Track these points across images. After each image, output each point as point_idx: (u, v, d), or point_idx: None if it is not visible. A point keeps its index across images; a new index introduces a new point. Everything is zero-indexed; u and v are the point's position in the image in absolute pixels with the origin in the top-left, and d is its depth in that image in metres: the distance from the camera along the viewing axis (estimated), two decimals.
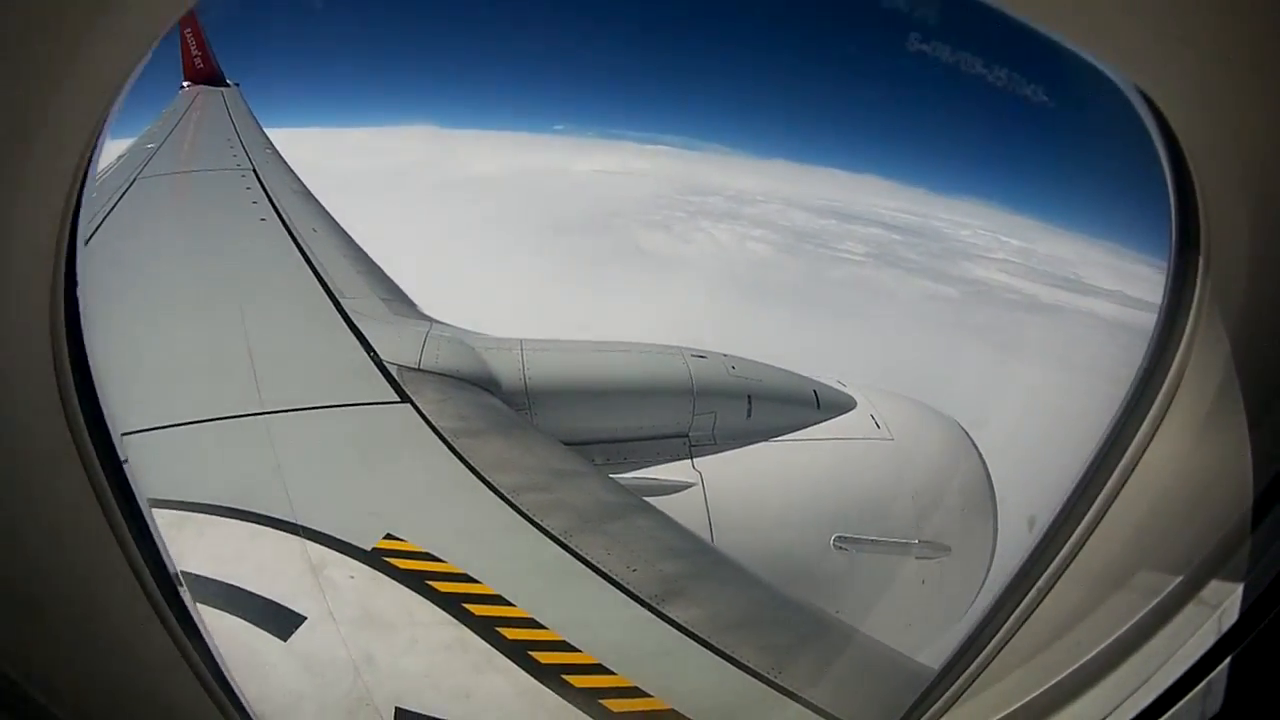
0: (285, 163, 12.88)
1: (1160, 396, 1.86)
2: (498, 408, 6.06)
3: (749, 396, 6.97)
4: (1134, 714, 1.80)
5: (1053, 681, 2.02)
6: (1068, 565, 2.04)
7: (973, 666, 2.23)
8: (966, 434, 7.54)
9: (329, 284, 7.59)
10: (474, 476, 4.84)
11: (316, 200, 11.38)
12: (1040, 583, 2.08)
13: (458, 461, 4.99)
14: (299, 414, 5.27)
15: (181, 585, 1.79)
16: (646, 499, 5.48)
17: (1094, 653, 1.97)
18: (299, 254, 8.37)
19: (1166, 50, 1.35)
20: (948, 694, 2.29)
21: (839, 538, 6.43)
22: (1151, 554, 1.95)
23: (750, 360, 7.35)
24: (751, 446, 6.87)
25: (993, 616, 2.22)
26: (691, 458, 6.67)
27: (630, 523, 4.76)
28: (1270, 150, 1.44)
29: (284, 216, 9.62)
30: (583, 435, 6.45)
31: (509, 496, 4.65)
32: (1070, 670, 2.00)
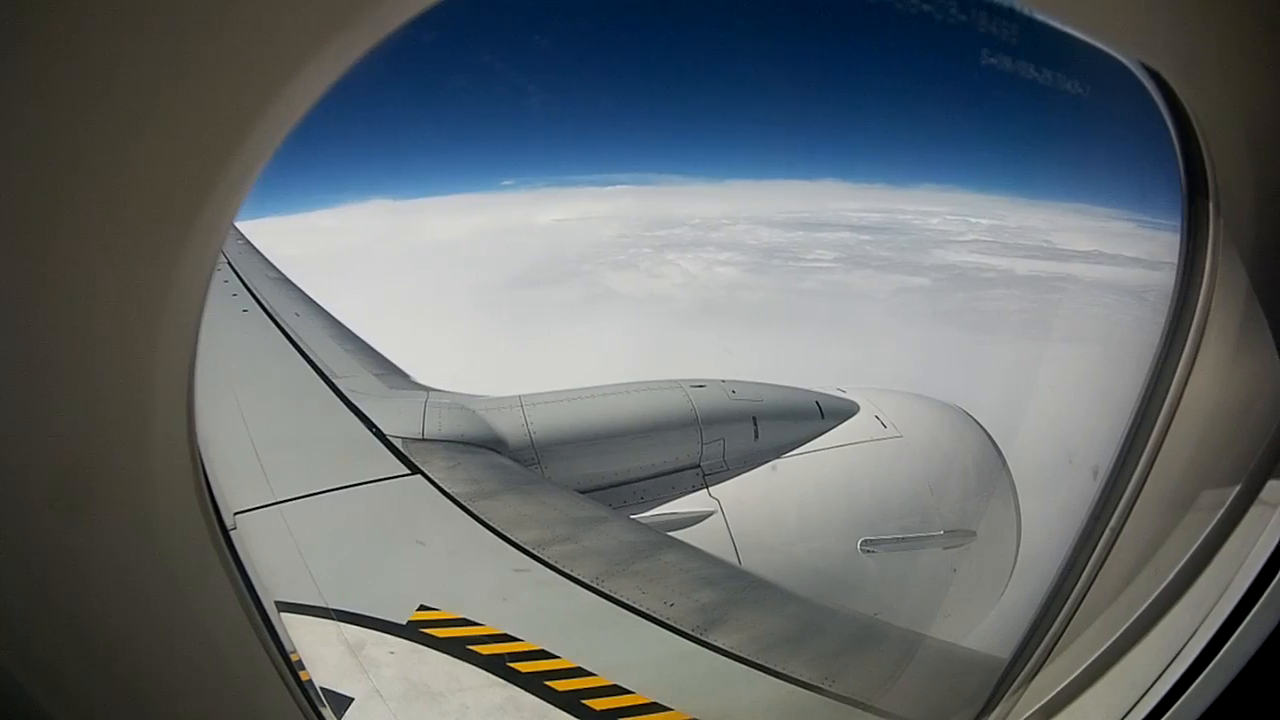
0: (258, 251, 12.79)
1: (1194, 329, 2.01)
2: (508, 466, 6.05)
3: (754, 418, 7.00)
4: (1220, 621, 1.89)
5: (1140, 610, 2.11)
6: (1136, 499, 2.16)
7: (1061, 616, 2.32)
8: (971, 418, 7.59)
9: (320, 367, 7.58)
10: (496, 537, 4.83)
11: (294, 284, 11.31)
12: (1113, 522, 2.20)
13: (477, 524, 4.98)
14: (312, 499, 5.24)
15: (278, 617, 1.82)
16: (669, 534, 5.48)
17: (1174, 573, 2.06)
18: (286, 340, 8.34)
19: (1170, 25, 1.47)
20: (1041, 648, 2.37)
21: (865, 541, 6.44)
22: (1210, 470, 2.07)
23: (749, 382, 7.39)
24: (764, 466, 6.89)
25: (1072, 565, 2.32)
26: (706, 487, 6.68)
27: (658, 559, 4.75)
28: (1269, 98, 1.60)
29: (265, 305, 9.56)
30: (596, 481, 6.45)
31: (535, 551, 4.65)
32: (1155, 595, 2.08)
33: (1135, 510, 2.15)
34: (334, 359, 7.94)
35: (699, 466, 6.75)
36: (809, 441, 7.09)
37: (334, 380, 7.24)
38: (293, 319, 9.15)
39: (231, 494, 5.22)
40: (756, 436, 6.95)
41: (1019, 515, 7.06)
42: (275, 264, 12.30)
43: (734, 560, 6.08)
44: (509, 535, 4.83)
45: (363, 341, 9.02)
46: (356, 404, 6.65)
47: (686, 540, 5.32)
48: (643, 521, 5.81)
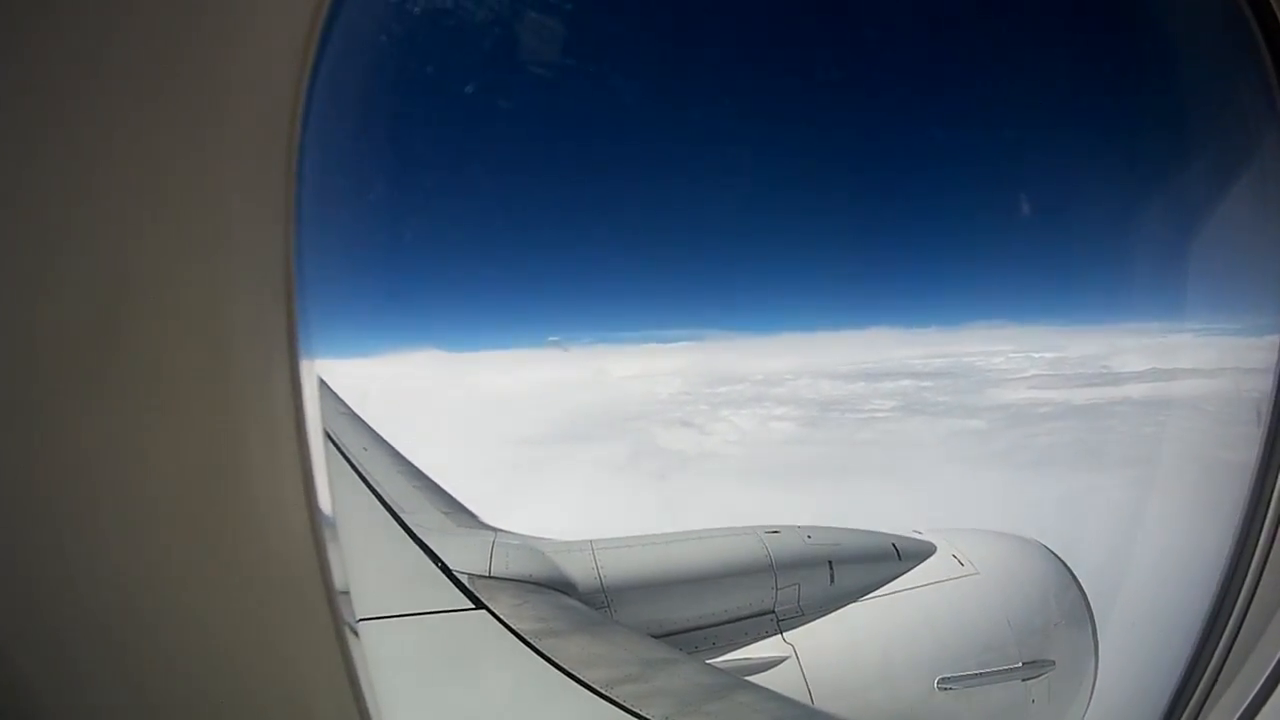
0: (328, 385, 12.95)
1: None
2: (577, 608, 6.00)
3: (830, 562, 6.92)
4: None
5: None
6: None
7: None
8: (1047, 549, 7.56)
9: (387, 500, 7.55)
10: (563, 675, 4.73)
11: (363, 421, 11.37)
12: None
13: (544, 662, 4.88)
14: (372, 623, 5.17)
15: None
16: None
17: None
18: (354, 473, 8.33)
19: None
20: None
21: (942, 679, 6.32)
22: None
23: (826, 527, 7.35)
24: (840, 610, 6.81)
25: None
26: (781, 632, 6.58)
27: (732, 701, 4.66)
28: None
29: (334, 437, 9.57)
30: (667, 627, 6.37)
31: (604, 691, 4.54)
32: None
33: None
34: (401, 495, 7.96)
35: (773, 612, 6.66)
36: (886, 584, 7.02)
37: (400, 514, 7.20)
38: (360, 453, 9.21)
39: None
40: (833, 581, 6.87)
41: (1096, 640, 6.97)
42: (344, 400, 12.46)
43: (808, 704, 5.93)
44: (576, 674, 4.74)
45: (429, 480, 9.06)
46: (422, 538, 6.61)
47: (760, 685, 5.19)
48: (716, 666, 5.69)
